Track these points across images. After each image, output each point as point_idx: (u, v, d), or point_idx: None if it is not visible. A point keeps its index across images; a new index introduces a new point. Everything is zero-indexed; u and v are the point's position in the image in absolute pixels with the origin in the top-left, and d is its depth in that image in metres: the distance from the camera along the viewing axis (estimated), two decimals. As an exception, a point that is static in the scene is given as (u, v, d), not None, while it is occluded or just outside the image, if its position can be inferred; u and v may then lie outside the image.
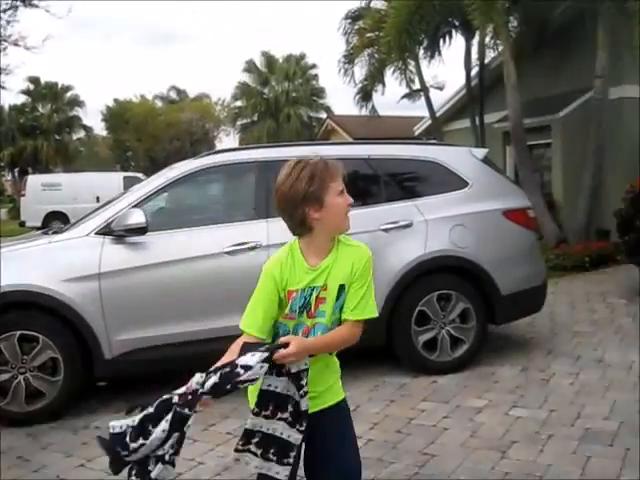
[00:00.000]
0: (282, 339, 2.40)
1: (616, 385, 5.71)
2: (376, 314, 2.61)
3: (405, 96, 19.13)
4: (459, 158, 6.55)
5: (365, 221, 6.00)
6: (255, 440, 2.39)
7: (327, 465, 2.64)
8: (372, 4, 18.89)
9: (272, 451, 2.38)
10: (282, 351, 2.32)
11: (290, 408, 2.38)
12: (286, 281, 2.55)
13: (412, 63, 16.78)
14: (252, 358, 2.28)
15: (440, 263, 6.14)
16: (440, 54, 17.68)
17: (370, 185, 6.42)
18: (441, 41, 17.47)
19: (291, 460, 2.38)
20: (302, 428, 2.39)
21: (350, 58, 18.60)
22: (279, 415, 2.37)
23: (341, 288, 2.58)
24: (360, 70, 18.51)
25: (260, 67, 38.69)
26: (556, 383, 5.85)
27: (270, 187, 5.94)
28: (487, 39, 16.36)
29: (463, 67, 17.15)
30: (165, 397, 2.25)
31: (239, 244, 5.67)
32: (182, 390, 2.26)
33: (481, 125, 16.87)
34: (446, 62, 21.03)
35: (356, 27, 18.75)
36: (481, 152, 6.82)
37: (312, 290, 2.57)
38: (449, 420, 5.06)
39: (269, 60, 38.78)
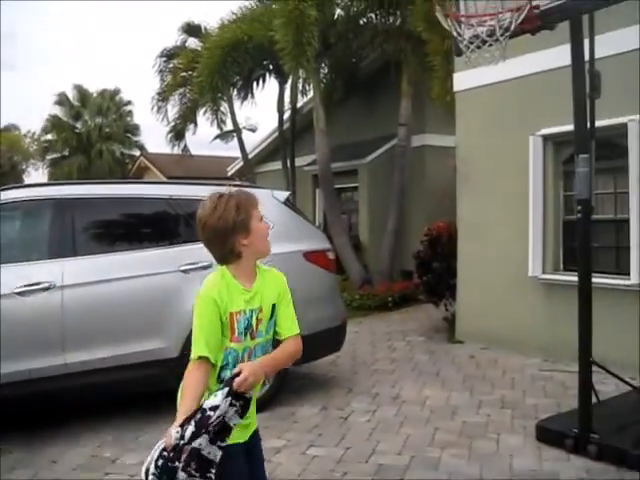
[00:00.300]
0: (234, 370, 2.47)
1: (410, 420, 5.95)
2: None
3: (218, 136, 19.21)
4: (261, 200, 6.59)
5: (164, 262, 5.95)
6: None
7: None
8: (187, 43, 18.97)
9: (194, 466, 2.38)
10: (238, 379, 2.40)
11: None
12: (226, 304, 2.64)
13: (225, 104, 16.86)
14: (216, 398, 2.39)
15: (240, 304, 6.11)
16: (253, 96, 18.04)
17: (171, 225, 6.36)
18: (255, 83, 17.81)
19: (212, 477, 2.41)
20: (223, 444, 2.43)
21: (164, 96, 18.49)
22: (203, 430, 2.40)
23: (273, 308, 2.78)
24: (173, 108, 18.49)
25: (72, 100, 37.49)
26: (353, 421, 6.00)
27: (67, 225, 5.83)
28: (299, 84, 16.87)
29: (276, 110, 17.51)
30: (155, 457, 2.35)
31: (31, 285, 5.41)
32: (162, 447, 2.35)
33: (292, 168, 17.22)
34: (260, 104, 21.40)
35: (171, 65, 18.69)
36: (283, 194, 6.93)
37: (252, 312, 2.71)
38: (247, 462, 5.04)
39: (82, 94, 37.59)
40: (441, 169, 12.25)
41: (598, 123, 5.72)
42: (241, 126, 18.90)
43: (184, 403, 2.49)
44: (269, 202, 6.65)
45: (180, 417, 2.41)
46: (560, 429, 5.11)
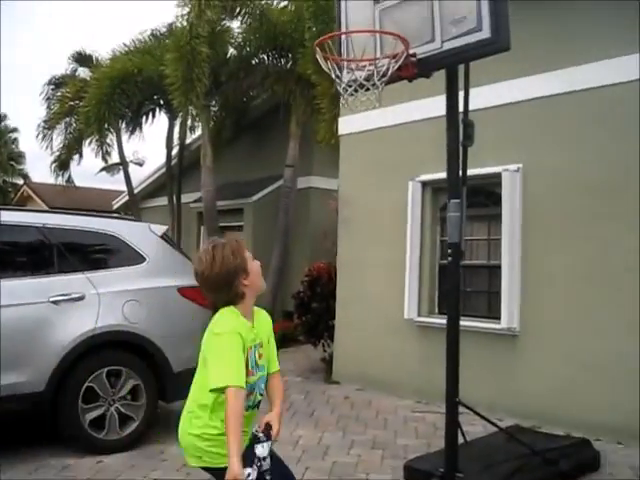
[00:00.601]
0: (265, 420, 2.89)
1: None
2: None
3: (104, 169, 18.86)
4: (138, 233, 6.52)
5: (34, 292, 5.73)
6: None
7: None
8: (77, 72, 18.64)
9: None
10: (275, 431, 2.87)
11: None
12: (244, 339, 2.84)
13: (112, 136, 16.59)
14: (264, 450, 2.77)
15: (111, 338, 5.96)
16: (142, 130, 17.85)
17: (43, 255, 6.10)
18: (145, 117, 17.60)
19: None
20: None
21: (50, 124, 18.03)
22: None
23: (269, 343, 3.09)
24: (59, 138, 18.09)
25: (-46, 125, 36.04)
26: (223, 460, 5.88)
27: None
28: (189, 120, 16.81)
29: (165, 145, 17.36)
30: None
31: None
32: None
33: (178, 204, 17.07)
34: (149, 138, 21.20)
35: (59, 94, 18.29)
36: (160, 229, 6.82)
37: (255, 347, 2.96)
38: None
39: (-36, 119, 36.29)
40: (325, 211, 12.38)
41: (476, 171, 5.95)
42: (128, 159, 18.66)
43: (235, 432, 2.61)
44: (146, 235, 6.57)
45: (234, 448, 2.58)
46: (427, 469, 5.15)
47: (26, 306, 5.67)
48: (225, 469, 2.58)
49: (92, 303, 5.88)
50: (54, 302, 5.74)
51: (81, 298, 5.88)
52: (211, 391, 2.77)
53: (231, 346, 2.79)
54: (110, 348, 6.01)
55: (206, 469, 2.96)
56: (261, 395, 3.03)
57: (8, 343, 5.52)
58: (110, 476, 5.38)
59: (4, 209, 7.01)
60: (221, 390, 2.71)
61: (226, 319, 2.90)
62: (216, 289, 2.94)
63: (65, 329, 5.73)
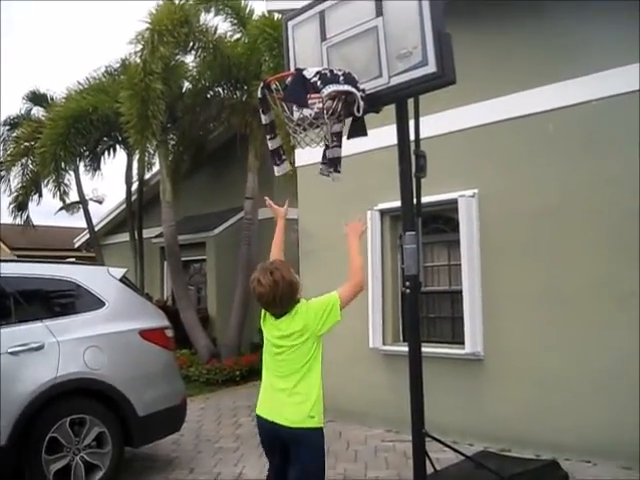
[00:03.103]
0: None
1: (251, 500, 5.83)
2: None
3: (62, 208, 18.65)
4: (96, 277, 6.45)
5: (-9, 343, 5.64)
6: None
7: None
8: (33, 112, 18.52)
9: None
10: None
11: None
12: None
13: (70, 175, 16.46)
14: None
15: (73, 386, 5.84)
16: (100, 168, 17.74)
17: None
18: (105, 154, 17.53)
19: None
20: None
21: (6, 166, 17.83)
22: None
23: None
24: (15, 179, 17.89)
25: None
26: (193, 503, 5.83)
27: None
28: (146, 156, 16.74)
29: (124, 182, 17.26)
30: None
31: None
32: None
33: (140, 240, 16.92)
34: (108, 175, 21.07)
35: (14, 134, 18.13)
36: (119, 272, 6.77)
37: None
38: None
39: None
40: (287, 242, 12.32)
41: (432, 198, 5.99)
42: (87, 197, 18.44)
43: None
44: (105, 279, 6.51)
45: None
46: (397, 502, 5.16)
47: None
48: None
49: (52, 352, 5.78)
50: (12, 353, 5.63)
51: (40, 347, 5.78)
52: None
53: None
54: (72, 396, 5.90)
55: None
56: None
57: (-33, 398, 5.43)
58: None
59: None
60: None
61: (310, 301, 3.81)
62: (282, 304, 3.69)
63: (25, 380, 5.62)
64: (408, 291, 4.98)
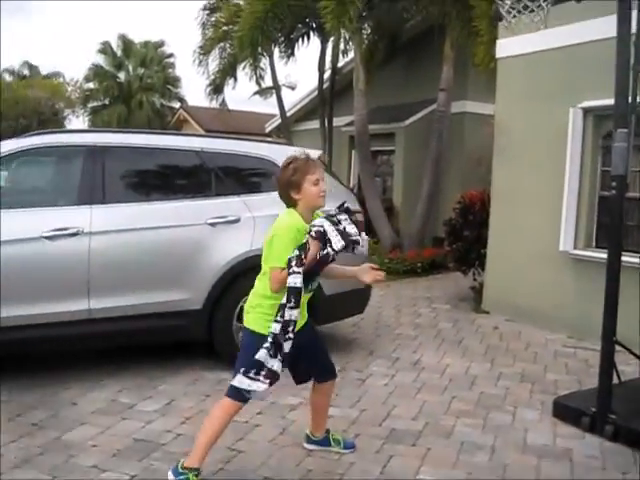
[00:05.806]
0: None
1: (428, 387, 5.93)
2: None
3: (257, 92, 19.10)
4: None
5: (192, 214, 5.95)
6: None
7: None
8: (231, -3, 18.80)
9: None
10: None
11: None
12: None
13: (265, 60, 16.73)
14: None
15: (265, 261, 6.09)
16: (294, 54, 17.82)
17: (200, 178, 6.32)
18: (298, 41, 17.60)
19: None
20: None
21: (205, 50, 18.33)
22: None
23: None
24: (213, 62, 18.33)
25: (116, 50, 37.50)
26: (371, 384, 6.00)
27: (97, 172, 5.83)
28: (341, 44, 16.67)
29: (317, 69, 17.32)
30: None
31: (59, 229, 5.45)
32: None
33: (329, 128, 17.10)
34: (301, 62, 21.22)
35: (213, 19, 18.53)
36: (314, 153, 6.84)
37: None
38: (261, 417, 5.06)
39: (126, 44, 37.54)
40: (479, 137, 12.05)
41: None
42: (280, 83, 18.77)
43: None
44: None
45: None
46: (578, 407, 5.05)
47: (185, 227, 5.91)
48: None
49: (247, 226, 6.04)
50: (211, 224, 5.94)
51: (237, 221, 6.05)
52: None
53: (287, 240, 3.64)
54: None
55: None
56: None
57: (169, 262, 5.81)
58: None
59: (165, 134, 7.27)
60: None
61: (284, 217, 3.75)
62: (279, 193, 3.82)
63: (221, 251, 5.94)
64: (613, 192, 4.71)
